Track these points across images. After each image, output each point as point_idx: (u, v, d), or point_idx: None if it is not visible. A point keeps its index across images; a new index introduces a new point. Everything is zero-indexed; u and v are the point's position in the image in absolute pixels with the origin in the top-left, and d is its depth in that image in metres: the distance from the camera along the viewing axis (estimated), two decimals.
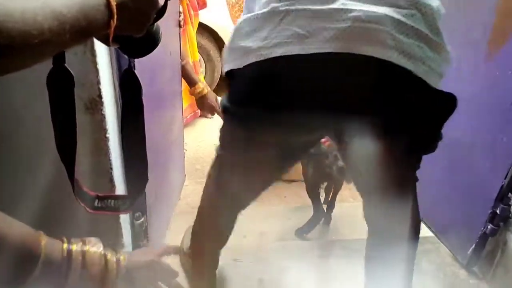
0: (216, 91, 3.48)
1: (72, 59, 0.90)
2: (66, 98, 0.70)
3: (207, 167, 2.56)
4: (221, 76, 3.85)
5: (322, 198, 1.98)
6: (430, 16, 0.85)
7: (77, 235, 0.78)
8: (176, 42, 1.97)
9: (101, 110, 0.99)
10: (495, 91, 1.44)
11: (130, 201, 0.92)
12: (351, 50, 0.82)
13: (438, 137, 0.98)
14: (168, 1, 0.69)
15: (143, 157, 0.87)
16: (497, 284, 1.57)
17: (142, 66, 0.99)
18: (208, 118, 3.37)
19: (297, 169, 1.95)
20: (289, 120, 0.94)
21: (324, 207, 1.98)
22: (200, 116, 3.44)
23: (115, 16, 0.55)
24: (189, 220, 1.38)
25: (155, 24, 0.70)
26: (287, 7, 0.86)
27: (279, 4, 0.87)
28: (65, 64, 0.67)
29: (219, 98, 1.58)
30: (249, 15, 0.93)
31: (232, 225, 1.30)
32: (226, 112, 1.02)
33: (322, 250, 1.78)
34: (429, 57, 0.85)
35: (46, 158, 0.95)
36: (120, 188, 1.15)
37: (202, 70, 3.75)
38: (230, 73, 0.98)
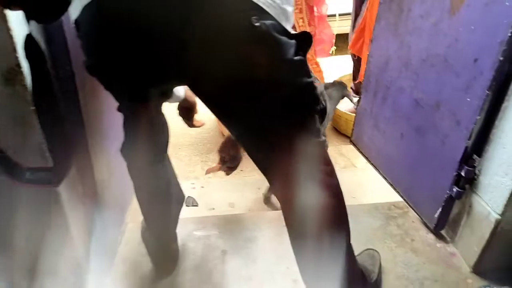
0: None
1: None
2: None
3: (180, 140, 2.53)
4: None
5: None
6: None
7: None
8: None
9: (22, 80, 0.92)
10: (459, 48, 1.37)
11: (61, 173, 0.87)
12: None
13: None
14: None
15: (63, 128, 0.82)
16: (463, 246, 1.55)
17: None
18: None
19: None
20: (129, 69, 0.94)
21: None
22: None
23: None
24: None
25: None
26: None
27: None
28: None
29: None
30: None
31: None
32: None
33: None
34: None
35: None
36: None
37: None
38: (76, 24, 0.95)
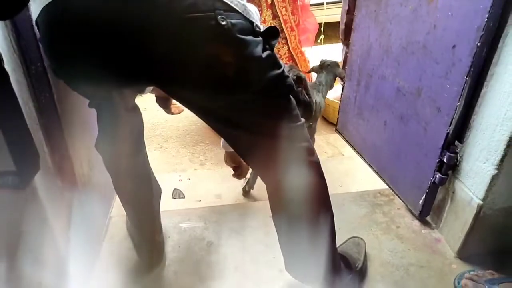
0: None
1: None
2: None
3: (167, 132, 2.52)
4: None
5: None
6: None
7: None
8: None
9: None
10: (437, 34, 1.37)
11: (26, 176, 0.86)
12: None
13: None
14: None
15: (23, 130, 0.81)
16: (448, 232, 1.56)
17: None
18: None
19: None
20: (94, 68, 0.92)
21: None
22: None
23: None
24: None
25: None
26: None
27: None
28: None
29: None
30: None
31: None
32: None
33: None
34: None
35: None
36: None
37: None
38: (36, 24, 0.94)
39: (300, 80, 1.66)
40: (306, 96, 1.72)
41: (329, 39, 3.70)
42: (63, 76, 1.00)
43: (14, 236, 1.06)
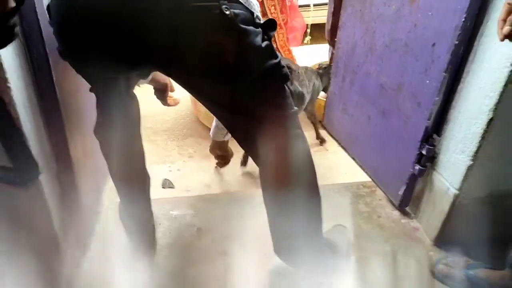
0: None
1: None
2: None
3: (156, 125, 2.56)
4: None
5: None
6: None
7: None
8: None
9: None
10: (418, 33, 1.45)
11: (23, 174, 0.91)
12: None
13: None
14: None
15: (12, 126, 0.86)
16: (426, 221, 1.64)
17: None
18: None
19: None
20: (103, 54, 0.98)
21: None
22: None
23: None
24: None
25: (13, 18, 0.69)
26: None
27: None
28: None
29: None
30: None
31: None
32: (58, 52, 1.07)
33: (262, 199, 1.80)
34: None
35: None
36: None
37: None
38: (48, 10, 0.99)
39: (290, 71, 1.74)
40: (298, 86, 1.81)
41: (315, 40, 3.76)
42: (71, 59, 1.06)
43: (12, 214, 1.10)
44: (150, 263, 1.51)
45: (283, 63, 1.08)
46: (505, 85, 1.20)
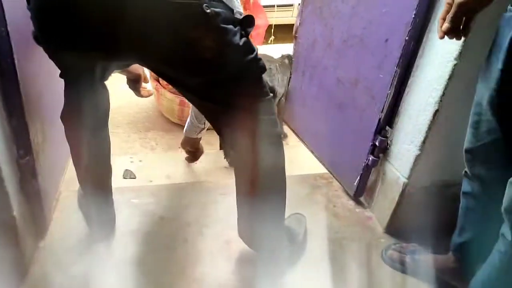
0: None
1: None
2: None
3: (118, 118, 2.55)
4: None
5: None
6: None
7: None
8: None
9: None
10: (372, 29, 1.53)
11: None
12: None
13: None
14: None
15: None
16: (378, 210, 1.73)
17: None
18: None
19: None
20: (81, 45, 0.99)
21: None
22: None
23: None
24: None
25: None
26: None
27: None
28: None
29: None
30: None
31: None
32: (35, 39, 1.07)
33: (225, 188, 1.84)
34: None
35: None
36: None
37: None
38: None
39: None
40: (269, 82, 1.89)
41: (279, 40, 3.84)
42: (47, 45, 1.06)
43: None
44: (109, 251, 1.52)
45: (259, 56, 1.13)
46: (449, 79, 1.29)
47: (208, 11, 0.93)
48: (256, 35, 2.75)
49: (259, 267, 1.46)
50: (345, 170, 1.84)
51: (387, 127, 1.59)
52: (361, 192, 1.78)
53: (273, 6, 4.20)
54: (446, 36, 0.97)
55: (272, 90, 2.05)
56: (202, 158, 2.06)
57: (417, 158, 1.47)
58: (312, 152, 2.05)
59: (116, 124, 2.48)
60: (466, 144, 1.19)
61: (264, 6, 3.65)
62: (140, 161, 2.08)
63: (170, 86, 2.15)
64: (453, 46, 1.24)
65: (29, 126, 1.29)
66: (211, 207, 1.74)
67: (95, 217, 1.54)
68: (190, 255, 1.53)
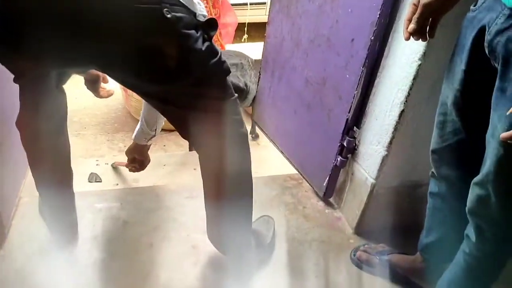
0: None
1: None
2: None
3: (85, 119, 2.49)
4: None
5: None
6: None
7: None
8: None
9: None
10: (339, 28, 1.52)
11: None
12: None
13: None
14: None
15: None
16: (347, 211, 1.72)
17: None
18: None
19: None
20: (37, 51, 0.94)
21: None
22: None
23: None
24: None
25: None
26: None
27: None
28: None
29: None
30: None
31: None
32: None
33: (192, 191, 1.81)
34: None
35: None
36: None
37: None
38: None
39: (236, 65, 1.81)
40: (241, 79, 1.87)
41: (252, 38, 3.81)
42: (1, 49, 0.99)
43: None
44: (70, 257, 1.47)
45: (224, 57, 1.10)
46: (414, 79, 1.28)
47: (169, 16, 0.89)
48: (225, 33, 2.71)
49: (227, 271, 1.44)
50: (315, 171, 1.82)
51: (355, 128, 1.58)
52: (331, 193, 1.77)
53: (246, 4, 4.18)
54: (411, 37, 0.96)
55: (245, 85, 2.02)
56: (170, 160, 2.02)
57: (384, 158, 1.46)
58: (282, 153, 2.03)
59: (83, 126, 2.42)
60: (432, 145, 1.19)
61: (237, 4, 3.62)
62: (106, 163, 2.03)
63: None
64: (418, 46, 1.23)
65: None
66: (178, 211, 1.70)
67: (56, 223, 1.49)
68: (156, 260, 1.49)
